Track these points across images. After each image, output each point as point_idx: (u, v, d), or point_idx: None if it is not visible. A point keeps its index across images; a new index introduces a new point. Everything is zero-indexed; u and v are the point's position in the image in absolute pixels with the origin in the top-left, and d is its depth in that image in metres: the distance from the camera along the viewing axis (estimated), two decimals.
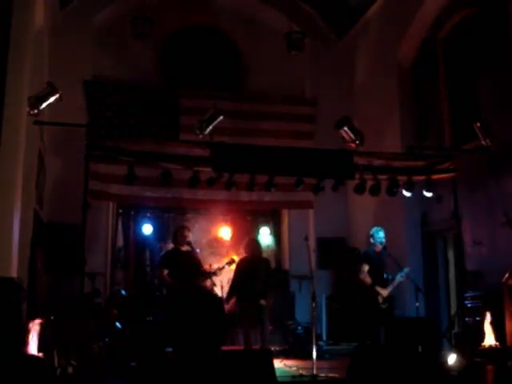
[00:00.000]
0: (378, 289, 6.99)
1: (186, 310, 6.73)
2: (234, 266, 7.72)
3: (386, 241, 7.21)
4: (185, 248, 7.19)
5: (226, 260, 8.56)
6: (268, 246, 10.65)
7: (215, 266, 9.50)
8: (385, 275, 7.19)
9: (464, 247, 7.51)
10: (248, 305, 7.25)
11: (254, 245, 7.53)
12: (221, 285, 8.76)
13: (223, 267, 7.61)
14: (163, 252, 7.74)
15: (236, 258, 7.85)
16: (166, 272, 7.01)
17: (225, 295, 8.80)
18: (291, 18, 10.37)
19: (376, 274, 7.07)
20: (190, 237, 7.25)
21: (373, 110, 9.52)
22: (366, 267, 7.06)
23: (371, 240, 7.26)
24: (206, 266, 8.50)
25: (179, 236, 7.19)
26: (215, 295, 7.82)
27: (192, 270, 7.03)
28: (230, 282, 7.74)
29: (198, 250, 8.32)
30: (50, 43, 8.51)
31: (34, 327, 5.37)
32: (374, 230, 7.28)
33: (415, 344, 6.36)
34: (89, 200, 6.11)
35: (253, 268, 7.29)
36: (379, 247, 7.18)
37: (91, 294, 8.10)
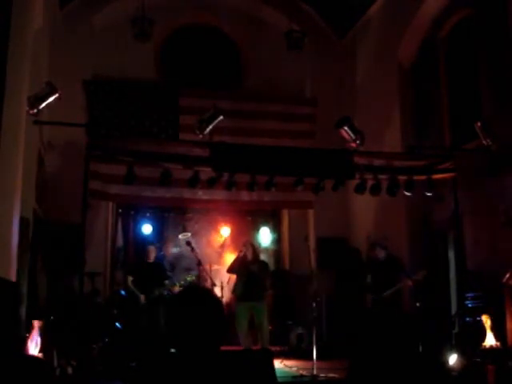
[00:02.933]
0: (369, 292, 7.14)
1: (183, 311, 6.78)
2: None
3: (386, 241, 7.24)
4: (150, 260, 7.87)
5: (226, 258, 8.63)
6: (268, 246, 10.64)
7: (215, 267, 9.54)
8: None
9: (465, 247, 7.50)
10: (247, 306, 7.25)
11: (252, 248, 7.54)
12: (221, 285, 8.77)
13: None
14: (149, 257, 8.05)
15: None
16: (130, 279, 7.73)
17: (224, 295, 8.81)
18: (291, 17, 10.33)
19: (376, 279, 7.11)
20: (153, 257, 7.95)
21: (373, 110, 9.51)
22: (368, 275, 7.26)
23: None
24: (206, 266, 8.52)
25: (147, 253, 7.90)
26: (215, 295, 7.84)
27: (155, 280, 7.65)
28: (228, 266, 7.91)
29: (197, 251, 8.35)
30: (49, 43, 8.50)
31: (35, 328, 5.37)
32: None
33: (415, 344, 6.35)
34: (89, 200, 6.11)
35: (250, 270, 7.28)
36: (381, 254, 7.21)
37: (91, 294, 8.10)
